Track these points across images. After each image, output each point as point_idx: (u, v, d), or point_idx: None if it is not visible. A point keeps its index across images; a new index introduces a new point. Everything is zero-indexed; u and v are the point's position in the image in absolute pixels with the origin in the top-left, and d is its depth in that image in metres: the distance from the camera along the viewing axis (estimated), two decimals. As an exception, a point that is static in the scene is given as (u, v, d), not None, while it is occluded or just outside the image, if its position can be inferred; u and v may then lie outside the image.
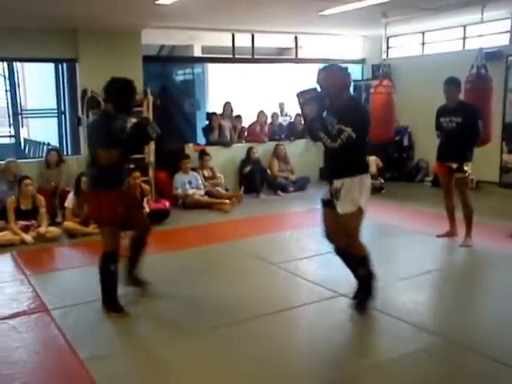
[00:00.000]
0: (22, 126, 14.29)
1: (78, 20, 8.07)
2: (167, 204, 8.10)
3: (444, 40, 10.34)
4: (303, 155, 10.81)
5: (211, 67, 13.72)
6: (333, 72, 4.34)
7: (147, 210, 7.40)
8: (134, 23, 8.52)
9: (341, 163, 4.27)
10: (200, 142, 10.54)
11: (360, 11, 7.87)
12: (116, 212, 4.34)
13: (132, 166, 8.03)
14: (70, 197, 7.33)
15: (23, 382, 3.51)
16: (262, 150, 10.16)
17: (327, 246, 6.24)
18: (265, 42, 11.64)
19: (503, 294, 4.85)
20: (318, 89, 4.37)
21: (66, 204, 7.33)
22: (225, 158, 9.91)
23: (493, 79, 7.02)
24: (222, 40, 10.85)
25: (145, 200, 7.56)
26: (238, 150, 10.02)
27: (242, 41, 10.61)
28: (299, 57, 11.74)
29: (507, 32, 9.12)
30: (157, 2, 6.90)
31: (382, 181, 9.83)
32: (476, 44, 8.70)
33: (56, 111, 12.31)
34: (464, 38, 9.81)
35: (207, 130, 10.19)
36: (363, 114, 4.42)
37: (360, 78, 11.77)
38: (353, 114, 4.20)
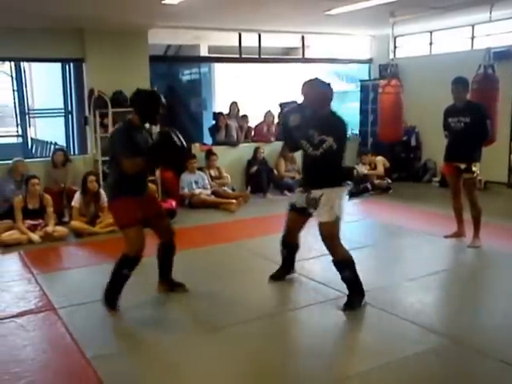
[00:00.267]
0: (30, 125, 14.33)
1: (85, 20, 8.09)
2: (174, 204, 8.10)
3: (452, 39, 10.28)
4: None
5: (218, 67, 13.72)
6: (315, 86, 4.56)
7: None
8: (140, 23, 8.52)
9: (321, 173, 4.50)
10: (206, 141, 10.55)
11: (367, 11, 7.84)
12: (134, 213, 4.36)
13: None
14: (77, 196, 7.33)
15: (31, 380, 3.51)
16: (269, 150, 10.14)
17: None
18: (271, 41, 11.63)
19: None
20: (301, 101, 4.61)
21: (72, 203, 7.34)
22: (231, 158, 9.91)
23: (500, 79, 6.99)
24: (229, 40, 10.84)
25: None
26: (245, 149, 10.01)
27: (249, 40, 10.59)
28: (306, 56, 11.72)
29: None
30: (163, 2, 6.90)
31: (389, 181, 9.81)
32: (485, 43, 8.66)
33: (63, 111, 12.33)
34: (472, 38, 9.75)
35: (214, 130, 10.19)
36: (343, 126, 4.57)
37: (367, 78, 11.74)
38: (333, 126, 4.47)
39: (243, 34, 10.44)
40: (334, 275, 5.27)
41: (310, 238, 6.75)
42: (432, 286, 5.12)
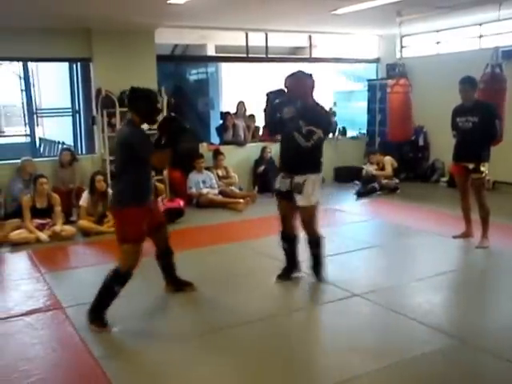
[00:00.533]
0: (37, 125, 14.37)
1: (92, 20, 8.11)
2: (181, 203, 8.11)
3: (460, 39, 10.24)
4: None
5: (225, 66, 13.71)
6: (299, 78, 4.83)
7: (162, 208, 7.40)
8: (147, 23, 8.53)
9: (305, 161, 4.76)
10: (214, 141, 10.55)
11: (374, 10, 7.82)
12: (141, 229, 4.18)
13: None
14: (85, 195, 7.35)
15: (40, 378, 3.53)
16: (276, 150, 10.01)
17: (341, 247, 6.31)
18: (278, 41, 11.62)
19: (520, 296, 4.81)
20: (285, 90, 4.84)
21: (80, 203, 7.36)
22: (239, 158, 9.91)
23: (508, 79, 6.95)
24: (236, 39, 10.84)
25: (159, 199, 7.57)
26: (252, 149, 10.01)
27: (256, 40, 10.59)
28: (313, 56, 11.71)
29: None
30: (169, 2, 6.91)
31: (397, 181, 9.78)
32: (493, 42, 8.62)
33: (70, 110, 12.36)
34: (480, 37, 9.71)
35: (221, 130, 10.20)
36: (329, 117, 4.99)
37: (374, 78, 11.72)
38: (321, 117, 4.80)
39: (250, 34, 10.44)
40: (342, 275, 5.30)
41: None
42: (440, 287, 5.10)
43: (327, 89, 14.31)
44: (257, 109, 10.92)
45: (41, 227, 6.97)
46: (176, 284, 4.89)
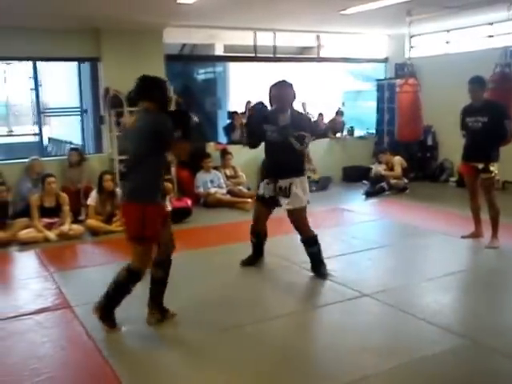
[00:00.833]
0: (44, 124, 14.38)
1: (101, 20, 8.13)
2: (189, 202, 8.11)
3: (469, 38, 10.19)
4: (325, 155, 10.79)
5: (232, 66, 13.71)
6: (286, 87, 5.04)
7: (169, 208, 7.40)
8: (155, 22, 8.54)
9: (291, 165, 5.03)
10: (221, 140, 10.55)
11: (383, 10, 7.80)
12: (158, 228, 3.98)
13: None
14: (93, 195, 7.36)
15: (50, 376, 3.53)
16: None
17: (350, 246, 6.30)
18: (286, 40, 11.60)
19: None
20: (269, 102, 5.09)
21: (88, 202, 7.37)
22: (246, 157, 9.87)
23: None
24: (244, 39, 10.83)
25: (167, 198, 7.56)
26: (260, 148, 9.95)
27: (264, 40, 10.59)
28: (321, 56, 11.68)
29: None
30: (178, 1, 6.92)
31: (406, 181, 9.75)
32: (502, 42, 8.57)
33: (79, 110, 12.38)
34: (490, 37, 9.65)
35: (229, 129, 10.19)
36: (312, 124, 5.38)
37: (382, 78, 11.68)
38: (306, 122, 5.18)
39: (258, 33, 10.43)
40: (351, 275, 5.30)
41: (327, 238, 6.77)
42: (449, 287, 5.07)
43: (335, 89, 14.31)
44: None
45: (49, 226, 6.98)
46: (158, 313, 4.30)
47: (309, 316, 4.49)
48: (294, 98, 5.07)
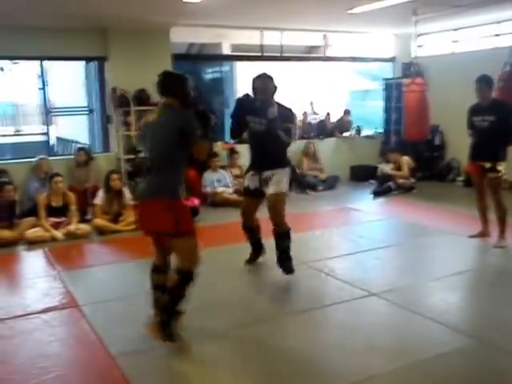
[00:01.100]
0: (52, 123, 14.42)
1: (108, 19, 8.14)
2: (196, 202, 8.11)
3: (476, 37, 10.15)
4: (333, 154, 10.78)
5: (240, 65, 13.70)
6: (269, 79, 5.12)
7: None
8: (162, 21, 8.55)
9: (275, 157, 5.09)
10: (229, 140, 10.53)
11: (390, 9, 7.79)
12: (192, 221, 3.86)
13: None
14: (100, 194, 7.38)
15: (58, 374, 3.55)
16: (292, 149, 10.07)
17: (357, 246, 6.29)
18: (293, 40, 11.58)
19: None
20: (253, 94, 5.12)
21: (95, 201, 7.39)
22: (253, 157, 9.87)
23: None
24: (251, 38, 10.82)
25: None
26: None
27: (271, 39, 10.58)
28: (328, 55, 11.67)
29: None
30: (184, 0, 6.93)
31: (413, 181, 9.72)
32: (509, 41, 8.53)
33: (86, 109, 12.41)
34: (497, 35, 9.62)
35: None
36: (294, 115, 5.31)
37: (389, 77, 11.65)
38: (290, 114, 5.17)
39: (265, 33, 10.43)
40: (358, 274, 5.29)
41: (334, 237, 6.80)
42: (457, 286, 5.06)
43: (342, 88, 14.28)
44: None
45: (56, 226, 7.00)
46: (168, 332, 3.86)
47: (316, 315, 4.48)
48: (275, 89, 5.12)
